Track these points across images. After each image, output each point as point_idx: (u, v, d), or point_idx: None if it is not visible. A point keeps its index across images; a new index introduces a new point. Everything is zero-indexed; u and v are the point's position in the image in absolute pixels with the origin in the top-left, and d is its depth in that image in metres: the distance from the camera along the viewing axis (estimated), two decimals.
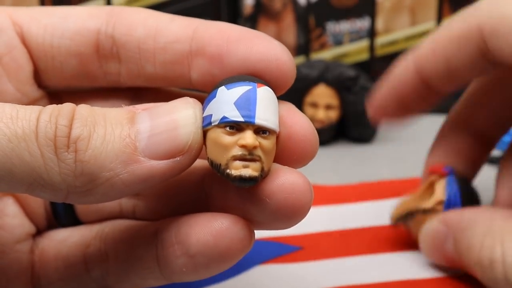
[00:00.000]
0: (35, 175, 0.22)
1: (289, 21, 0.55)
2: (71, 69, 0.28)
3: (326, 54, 0.55)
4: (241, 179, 0.23)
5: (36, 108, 0.23)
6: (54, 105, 0.23)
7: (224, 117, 0.23)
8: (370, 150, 0.51)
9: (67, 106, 0.23)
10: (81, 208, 0.30)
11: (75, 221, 0.30)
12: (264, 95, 0.24)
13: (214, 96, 0.24)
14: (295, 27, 0.55)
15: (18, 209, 0.30)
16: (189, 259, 0.25)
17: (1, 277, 0.28)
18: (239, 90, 0.24)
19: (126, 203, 0.30)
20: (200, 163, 0.27)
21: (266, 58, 0.25)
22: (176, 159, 0.23)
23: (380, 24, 0.55)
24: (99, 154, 0.23)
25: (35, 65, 0.28)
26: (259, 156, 0.24)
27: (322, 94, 0.50)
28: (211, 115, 0.24)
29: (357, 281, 0.34)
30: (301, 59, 0.55)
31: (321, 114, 0.50)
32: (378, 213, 0.40)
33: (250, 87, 0.24)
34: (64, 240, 0.29)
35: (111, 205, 0.30)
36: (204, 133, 0.24)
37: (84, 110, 0.23)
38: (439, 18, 0.54)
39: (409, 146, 0.50)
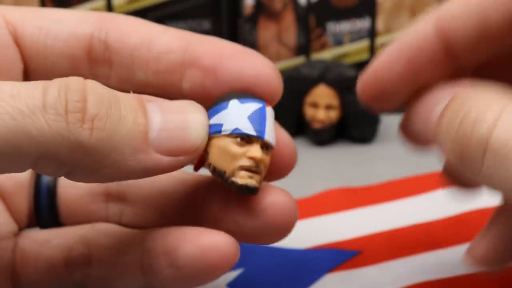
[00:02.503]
0: (42, 150, 0.22)
1: (289, 21, 0.55)
2: (61, 71, 0.28)
3: (327, 54, 0.55)
4: (247, 188, 0.25)
5: (38, 84, 0.23)
6: (61, 79, 0.23)
7: (237, 129, 0.25)
8: (370, 150, 0.51)
9: (76, 81, 0.23)
10: (65, 211, 0.30)
11: (57, 223, 0.31)
12: (270, 114, 0.26)
13: (226, 108, 0.26)
14: (295, 27, 0.55)
15: (3, 207, 0.30)
16: (176, 271, 0.27)
17: None
18: (252, 106, 0.26)
19: (112, 207, 0.30)
20: (191, 175, 0.29)
21: (258, 74, 0.27)
22: (179, 158, 0.24)
23: (380, 24, 0.55)
24: (114, 135, 0.23)
25: (26, 65, 0.28)
26: (261, 170, 0.26)
27: (323, 94, 0.50)
28: (221, 124, 0.25)
29: (420, 279, 0.34)
30: (301, 59, 0.55)
31: (321, 114, 0.50)
32: (421, 208, 0.40)
33: (261, 105, 0.26)
34: (47, 241, 0.30)
35: (97, 209, 0.30)
36: (208, 140, 0.25)
37: (96, 87, 0.24)
38: None
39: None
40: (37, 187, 0.31)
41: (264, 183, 0.27)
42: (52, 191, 0.30)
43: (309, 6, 0.54)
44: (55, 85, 0.23)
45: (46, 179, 0.31)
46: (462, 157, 0.24)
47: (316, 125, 0.50)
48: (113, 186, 0.30)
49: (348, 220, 0.40)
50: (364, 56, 0.55)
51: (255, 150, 0.25)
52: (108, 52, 0.28)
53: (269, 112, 0.26)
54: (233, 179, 0.25)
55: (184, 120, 0.25)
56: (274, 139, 0.26)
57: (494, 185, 0.23)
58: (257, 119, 0.26)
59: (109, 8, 0.52)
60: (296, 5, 0.54)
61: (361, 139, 0.51)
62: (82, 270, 0.29)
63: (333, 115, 0.50)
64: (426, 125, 0.26)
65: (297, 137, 0.52)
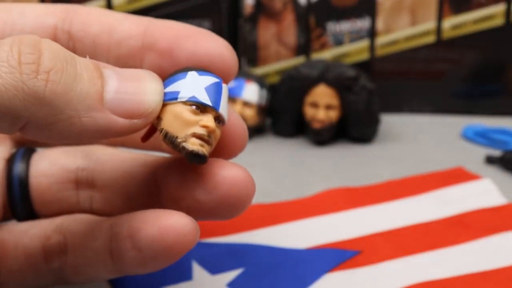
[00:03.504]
0: None
1: (289, 21, 0.55)
2: None
3: (327, 54, 0.55)
4: (197, 155, 0.26)
5: None
6: (15, 36, 0.24)
7: (194, 97, 0.26)
8: (370, 150, 0.51)
9: (31, 36, 0.24)
10: (38, 200, 0.31)
11: (32, 214, 0.31)
12: (225, 91, 0.27)
13: (183, 77, 0.26)
14: (295, 27, 0.55)
15: None
16: (138, 253, 0.27)
17: None
18: (209, 79, 0.26)
19: (83, 194, 0.31)
20: (152, 157, 0.30)
21: (211, 53, 0.28)
22: (134, 120, 0.25)
23: (380, 24, 0.55)
24: (70, 90, 0.23)
25: None
26: (212, 141, 0.26)
27: (323, 94, 0.50)
28: (178, 92, 0.26)
29: (420, 279, 0.34)
30: (301, 59, 0.55)
31: (321, 114, 0.50)
32: (421, 208, 0.40)
33: (218, 80, 0.27)
34: (25, 231, 0.31)
35: (68, 196, 0.31)
36: (162, 106, 0.26)
37: (52, 44, 0.24)
38: (439, 18, 0.54)
39: (409, 146, 0.50)
40: (9, 179, 0.31)
41: (220, 160, 0.27)
42: (24, 181, 0.31)
43: (309, 6, 0.54)
44: (8, 41, 0.23)
45: (17, 170, 0.31)
46: None
47: (316, 125, 0.50)
48: (83, 173, 0.31)
49: (348, 220, 0.40)
50: (364, 56, 0.55)
51: (209, 120, 0.26)
52: (72, 42, 0.29)
53: (225, 89, 0.27)
54: (184, 144, 0.25)
55: (139, 85, 0.25)
56: (227, 115, 0.27)
57: None
58: (214, 91, 0.26)
59: (109, 8, 0.52)
60: (296, 5, 0.54)
61: (361, 139, 0.51)
62: (59, 259, 0.30)
63: (333, 115, 0.50)
64: None
65: (297, 137, 0.52)
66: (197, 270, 0.35)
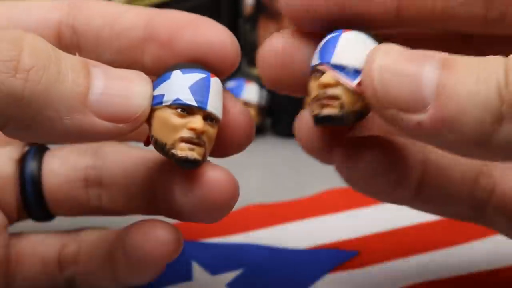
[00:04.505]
0: None
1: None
2: None
3: None
4: (186, 160, 0.25)
5: None
6: None
7: (178, 99, 0.25)
8: None
9: (13, 32, 0.23)
10: (51, 200, 0.31)
11: (46, 213, 0.32)
12: (215, 85, 0.25)
13: (168, 78, 0.25)
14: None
15: None
16: (132, 266, 0.28)
17: None
18: (194, 76, 0.25)
19: (92, 193, 0.31)
20: (153, 154, 0.29)
21: (211, 41, 0.26)
22: (118, 125, 0.24)
23: None
24: (50, 91, 0.23)
25: None
26: (204, 142, 0.25)
27: None
28: (163, 95, 0.25)
29: (419, 279, 0.34)
30: None
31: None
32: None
33: (205, 75, 0.25)
34: (42, 239, 0.31)
35: (79, 195, 0.31)
36: (151, 112, 0.25)
37: (36, 40, 0.23)
38: None
39: None
40: (22, 178, 0.31)
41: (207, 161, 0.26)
42: (37, 180, 0.31)
43: None
44: None
45: (30, 169, 0.31)
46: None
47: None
48: (92, 171, 0.31)
49: (347, 220, 0.40)
50: None
51: (196, 121, 0.25)
52: (75, 36, 0.28)
53: (215, 83, 0.26)
54: (173, 151, 0.24)
55: (127, 87, 0.24)
56: (220, 111, 0.26)
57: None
58: (199, 89, 0.25)
59: None
60: None
61: None
62: (72, 267, 0.30)
63: None
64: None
65: None
66: (197, 270, 0.35)
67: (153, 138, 0.25)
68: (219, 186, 0.26)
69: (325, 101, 0.24)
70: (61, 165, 0.31)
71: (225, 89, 0.27)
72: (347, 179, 0.27)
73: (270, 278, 0.35)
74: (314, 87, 0.24)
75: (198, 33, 0.27)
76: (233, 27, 0.55)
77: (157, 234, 0.27)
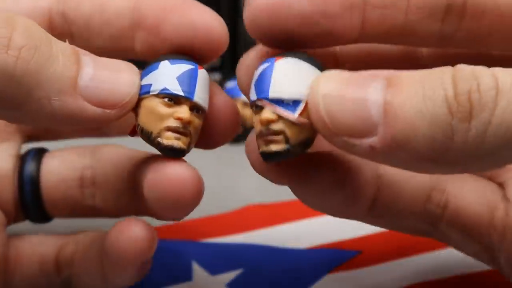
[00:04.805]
0: None
1: None
2: None
3: None
4: (172, 149, 0.25)
5: None
6: None
7: (165, 88, 0.25)
8: None
9: (6, 13, 0.23)
10: (48, 200, 0.31)
11: (43, 214, 0.32)
12: (203, 76, 0.26)
13: (156, 68, 0.25)
14: None
15: None
16: (111, 265, 0.28)
17: None
18: (182, 67, 0.25)
19: (87, 192, 0.31)
20: (139, 153, 0.30)
21: (197, 24, 0.26)
22: (106, 110, 0.24)
23: None
24: (41, 71, 0.23)
25: None
26: (190, 132, 0.25)
27: None
28: (150, 85, 0.25)
29: (420, 279, 0.34)
30: None
31: None
32: None
33: (193, 66, 0.26)
34: (42, 240, 0.31)
35: (74, 194, 0.31)
36: (138, 101, 0.25)
37: (28, 22, 0.23)
38: None
39: None
40: (21, 178, 0.31)
41: (160, 159, 0.26)
42: (35, 181, 0.31)
43: None
44: None
45: (29, 171, 0.31)
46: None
47: None
48: (87, 171, 0.31)
49: (348, 220, 0.40)
50: None
51: (183, 111, 0.25)
52: (66, 24, 0.28)
53: (202, 74, 0.26)
54: (159, 139, 0.25)
55: (115, 75, 0.24)
56: (206, 102, 0.26)
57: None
58: (187, 80, 0.25)
59: None
60: None
61: None
62: (69, 269, 0.30)
63: None
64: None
65: None
66: (197, 270, 0.35)
67: (139, 127, 0.25)
68: (182, 182, 0.25)
69: (269, 137, 0.24)
70: (59, 165, 0.32)
71: (211, 81, 0.27)
72: (301, 199, 0.27)
73: (270, 278, 0.35)
74: (257, 123, 0.24)
75: (184, 17, 0.27)
76: (233, 26, 0.55)
77: (130, 232, 0.27)
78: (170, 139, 0.25)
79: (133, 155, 0.30)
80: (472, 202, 0.28)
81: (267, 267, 0.35)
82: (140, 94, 0.25)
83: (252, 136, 0.26)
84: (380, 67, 0.23)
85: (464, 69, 0.21)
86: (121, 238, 0.27)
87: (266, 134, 0.24)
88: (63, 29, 0.28)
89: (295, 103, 0.23)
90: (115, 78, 0.24)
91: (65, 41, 0.24)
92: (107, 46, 0.28)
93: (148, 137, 0.25)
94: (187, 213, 0.26)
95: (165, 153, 0.25)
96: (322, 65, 0.24)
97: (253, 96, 0.24)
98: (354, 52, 0.27)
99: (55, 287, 0.31)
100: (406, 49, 0.28)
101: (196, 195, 0.26)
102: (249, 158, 0.27)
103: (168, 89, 0.25)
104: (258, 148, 0.24)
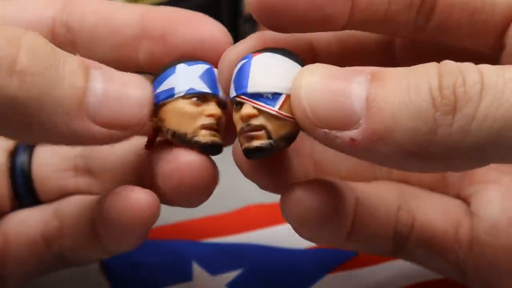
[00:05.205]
0: None
1: None
2: None
3: None
4: (212, 145, 0.25)
5: None
6: None
7: (191, 88, 0.25)
8: None
9: (13, 29, 0.23)
10: (41, 190, 0.31)
11: (37, 202, 0.32)
12: (217, 74, 0.26)
13: (173, 72, 0.26)
14: None
15: None
16: (111, 231, 0.27)
17: None
18: (200, 67, 0.26)
19: (82, 182, 0.31)
20: (141, 142, 0.29)
21: (202, 36, 0.27)
22: (113, 131, 0.24)
23: None
24: (46, 94, 0.22)
25: None
26: (221, 127, 0.26)
27: None
28: (172, 88, 0.25)
29: (420, 279, 0.34)
30: None
31: None
32: None
33: (208, 66, 0.26)
34: (24, 220, 0.31)
35: (68, 184, 0.31)
36: (160, 107, 0.25)
37: (36, 40, 0.23)
38: None
39: None
40: (12, 170, 0.31)
41: (175, 149, 0.26)
42: (26, 172, 0.31)
43: None
44: None
45: (20, 162, 0.31)
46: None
47: None
48: (81, 160, 0.31)
49: None
50: None
51: (213, 108, 0.25)
52: (70, 34, 0.28)
53: (216, 72, 0.26)
54: (196, 139, 0.25)
55: (125, 93, 0.24)
56: (226, 98, 0.26)
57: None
58: (209, 78, 0.26)
59: None
60: None
61: None
62: (57, 242, 0.30)
63: None
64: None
65: None
66: (197, 270, 0.35)
67: (169, 131, 0.25)
68: (197, 168, 0.25)
69: (251, 133, 0.24)
70: (51, 155, 0.31)
71: None
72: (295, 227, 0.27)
73: (270, 278, 0.35)
74: (237, 120, 0.24)
75: (190, 29, 0.27)
76: (233, 27, 0.55)
77: (133, 198, 0.26)
78: (207, 137, 0.25)
79: (135, 144, 0.30)
80: (436, 218, 0.28)
81: (267, 267, 0.35)
82: (160, 101, 0.25)
83: (237, 142, 0.26)
84: (357, 63, 0.23)
85: (450, 64, 0.22)
86: (125, 204, 0.26)
87: (247, 131, 0.24)
88: (66, 39, 0.28)
89: (274, 96, 0.23)
90: (124, 96, 0.24)
91: (74, 54, 0.24)
92: (110, 56, 0.28)
93: (183, 139, 0.25)
94: (203, 199, 0.26)
95: (204, 151, 0.25)
96: (302, 59, 0.25)
97: (232, 93, 0.24)
98: (334, 48, 0.27)
99: (48, 263, 0.30)
100: (383, 40, 0.28)
101: (212, 181, 0.26)
102: (236, 162, 0.27)
103: (194, 89, 0.25)
104: (241, 146, 0.24)
